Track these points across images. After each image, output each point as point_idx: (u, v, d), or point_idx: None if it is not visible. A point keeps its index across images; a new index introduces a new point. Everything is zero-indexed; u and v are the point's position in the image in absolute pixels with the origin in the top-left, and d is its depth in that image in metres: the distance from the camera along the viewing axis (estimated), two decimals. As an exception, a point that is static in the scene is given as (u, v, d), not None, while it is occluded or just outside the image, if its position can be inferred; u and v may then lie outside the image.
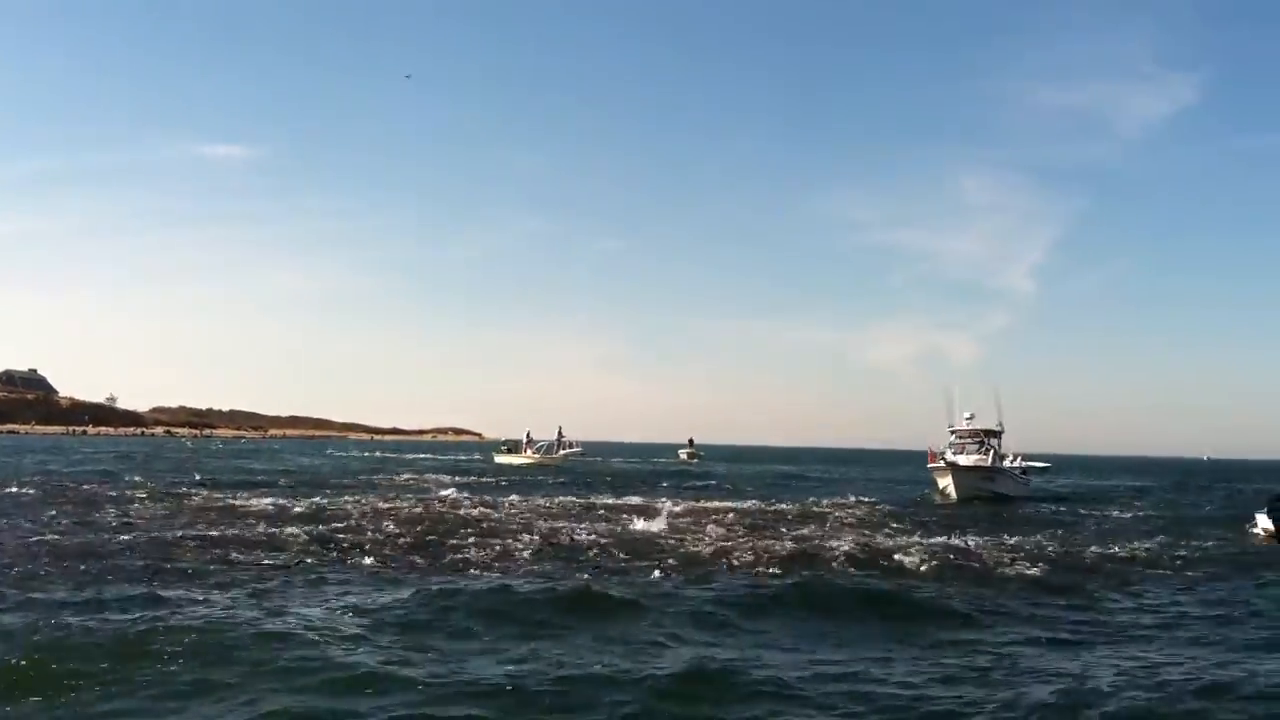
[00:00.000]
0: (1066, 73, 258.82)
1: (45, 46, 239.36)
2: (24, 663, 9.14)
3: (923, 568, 18.01)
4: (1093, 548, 22.52)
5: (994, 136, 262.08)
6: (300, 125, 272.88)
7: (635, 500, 33.11)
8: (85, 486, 33.08)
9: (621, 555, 18.61)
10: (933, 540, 22.64)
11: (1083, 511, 36.48)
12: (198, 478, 40.08)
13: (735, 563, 17.92)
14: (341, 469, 56.73)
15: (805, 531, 24.33)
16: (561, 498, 34.30)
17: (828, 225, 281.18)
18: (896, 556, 19.20)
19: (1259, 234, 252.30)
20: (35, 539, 18.22)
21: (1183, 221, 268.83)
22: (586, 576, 15.53)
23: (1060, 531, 26.92)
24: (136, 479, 38.05)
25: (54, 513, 23.53)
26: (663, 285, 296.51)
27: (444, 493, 34.66)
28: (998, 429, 46.75)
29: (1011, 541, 23.07)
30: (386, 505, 28.14)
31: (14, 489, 30.67)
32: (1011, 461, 49.13)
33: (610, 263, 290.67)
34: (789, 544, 20.88)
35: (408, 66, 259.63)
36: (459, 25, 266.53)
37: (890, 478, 64.72)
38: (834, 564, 18.26)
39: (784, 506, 33.15)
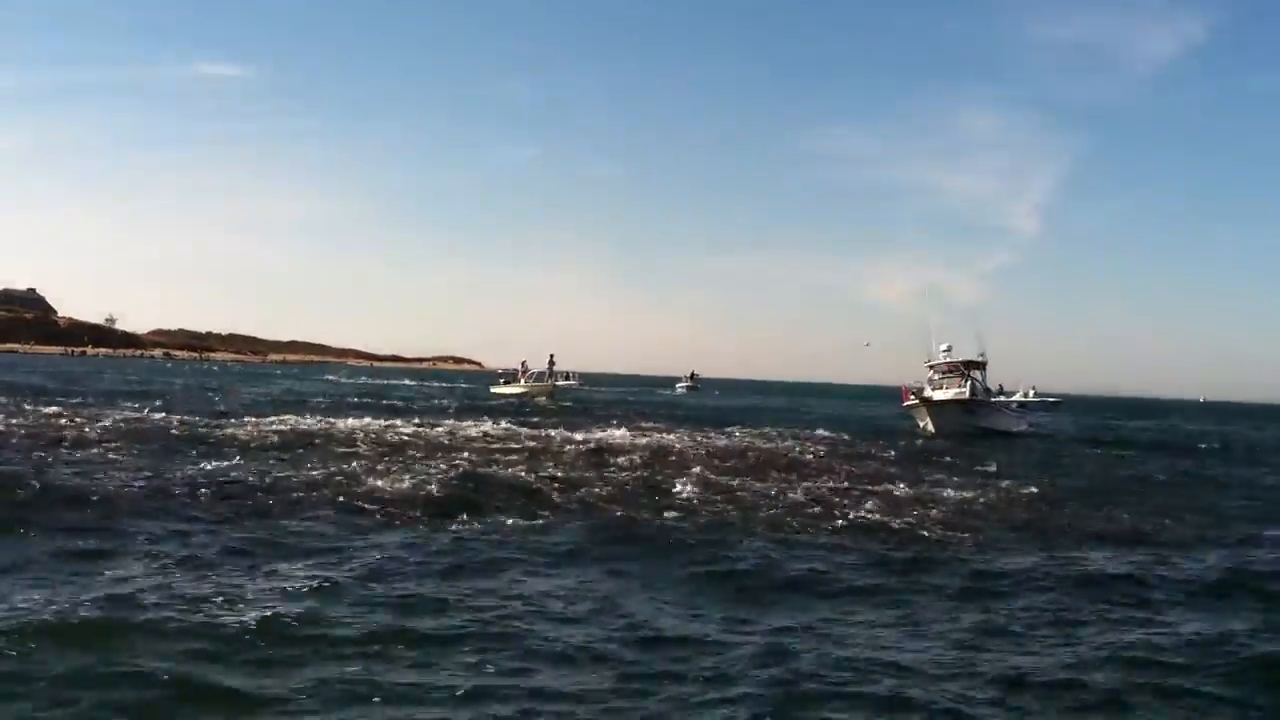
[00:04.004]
0: (1074, 7, 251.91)
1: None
2: None
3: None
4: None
5: (998, 72, 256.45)
6: (293, 47, 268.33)
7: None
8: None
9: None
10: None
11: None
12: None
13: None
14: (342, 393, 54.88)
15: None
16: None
17: (825, 161, 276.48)
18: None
19: (1267, 177, 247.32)
20: None
21: (1188, 162, 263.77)
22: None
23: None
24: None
25: None
26: (655, 218, 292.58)
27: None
28: (980, 359, 43.53)
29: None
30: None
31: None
32: (1025, 395, 47.28)
33: (603, 191, 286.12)
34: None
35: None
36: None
37: (871, 414, 62.71)
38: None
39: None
